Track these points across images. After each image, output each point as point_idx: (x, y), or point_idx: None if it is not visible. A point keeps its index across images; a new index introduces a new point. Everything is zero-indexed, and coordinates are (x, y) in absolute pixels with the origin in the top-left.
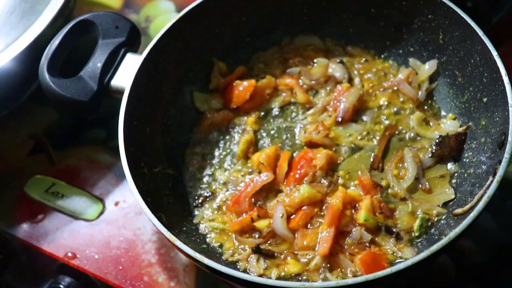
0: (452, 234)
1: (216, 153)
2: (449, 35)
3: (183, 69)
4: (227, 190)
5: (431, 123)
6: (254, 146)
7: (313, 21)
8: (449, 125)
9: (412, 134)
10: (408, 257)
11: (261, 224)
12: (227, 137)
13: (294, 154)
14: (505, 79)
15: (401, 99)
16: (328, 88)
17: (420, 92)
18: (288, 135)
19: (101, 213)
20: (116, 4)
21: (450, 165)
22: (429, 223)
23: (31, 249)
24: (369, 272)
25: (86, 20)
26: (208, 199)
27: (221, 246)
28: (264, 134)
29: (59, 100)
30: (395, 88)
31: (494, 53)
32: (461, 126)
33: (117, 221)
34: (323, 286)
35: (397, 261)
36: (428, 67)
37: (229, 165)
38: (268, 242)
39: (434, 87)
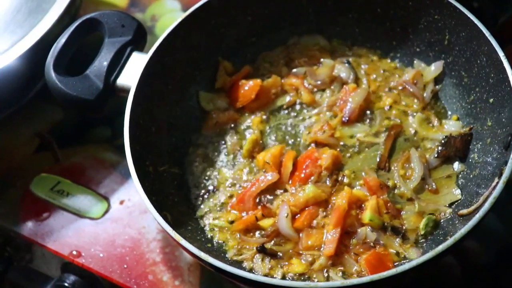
0: (458, 235)
1: (221, 152)
2: (455, 35)
3: (189, 68)
4: (232, 189)
5: (435, 124)
6: (259, 145)
7: (319, 21)
8: (452, 125)
9: (418, 135)
10: (413, 257)
11: (265, 223)
12: (233, 136)
13: (299, 154)
14: None
15: (407, 100)
16: (333, 87)
17: (425, 93)
18: (294, 134)
19: (106, 211)
20: (122, 3)
21: (456, 166)
22: (435, 223)
23: (36, 247)
24: (374, 272)
25: (93, 18)
26: (211, 191)
27: (225, 244)
28: (270, 134)
29: (65, 98)
30: (401, 88)
31: (501, 54)
32: (463, 127)
33: (122, 219)
34: (328, 286)
35: (402, 261)
36: (434, 68)
37: (234, 164)
38: (273, 241)
39: (439, 89)
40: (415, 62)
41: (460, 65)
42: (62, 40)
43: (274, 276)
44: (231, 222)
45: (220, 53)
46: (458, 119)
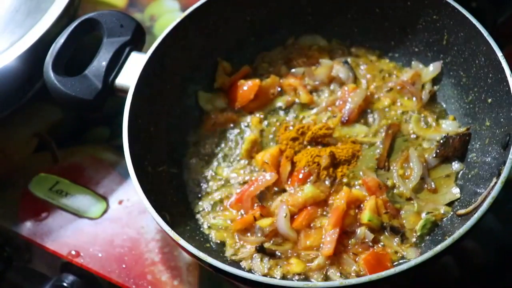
0: (456, 235)
1: (220, 152)
2: (454, 35)
3: (187, 68)
4: (230, 189)
5: (433, 124)
6: (258, 145)
7: (317, 21)
8: (449, 125)
9: (416, 135)
10: (411, 257)
11: (264, 223)
12: (231, 136)
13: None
14: (510, 80)
15: (406, 100)
16: (332, 87)
17: (423, 93)
18: None
19: (105, 211)
20: (121, 3)
21: (455, 165)
22: (433, 224)
23: (35, 247)
24: (373, 272)
25: (91, 18)
26: (210, 191)
27: (223, 244)
28: (268, 134)
29: (64, 98)
30: (399, 88)
31: (499, 54)
32: (460, 126)
33: (120, 219)
34: (326, 286)
35: (400, 261)
36: (433, 69)
37: (232, 164)
38: (271, 241)
39: (437, 89)
40: (413, 62)
41: (459, 65)
42: (61, 40)
43: (273, 276)
44: (230, 222)
45: (219, 53)
46: (454, 119)
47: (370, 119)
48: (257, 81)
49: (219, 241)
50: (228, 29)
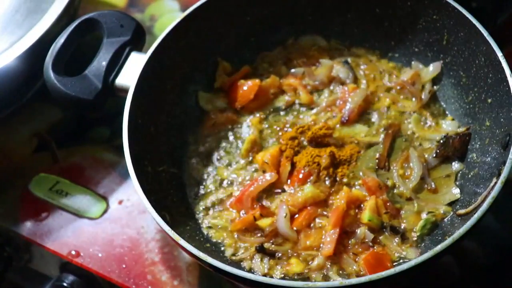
0: (456, 235)
1: (220, 152)
2: (454, 35)
3: (187, 68)
4: (230, 189)
5: (433, 124)
6: (258, 145)
7: (317, 21)
8: (449, 125)
9: (416, 135)
10: (411, 257)
11: (264, 223)
12: (231, 136)
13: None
14: (510, 80)
15: (406, 100)
16: (332, 87)
17: (423, 93)
18: None
19: (105, 211)
20: (121, 3)
21: (455, 165)
22: (433, 225)
23: (35, 247)
24: (373, 272)
25: (91, 18)
26: (210, 191)
27: (223, 244)
28: (268, 134)
29: (64, 98)
30: (399, 88)
31: (499, 54)
32: (460, 127)
33: (120, 219)
34: (326, 286)
35: (400, 261)
36: (432, 69)
37: (232, 164)
38: (271, 241)
39: (437, 89)
40: (413, 62)
41: (459, 65)
42: (61, 40)
43: (273, 276)
44: (230, 222)
45: (219, 53)
46: (453, 119)
47: (370, 119)
48: (257, 81)
49: (219, 241)
50: (228, 29)
